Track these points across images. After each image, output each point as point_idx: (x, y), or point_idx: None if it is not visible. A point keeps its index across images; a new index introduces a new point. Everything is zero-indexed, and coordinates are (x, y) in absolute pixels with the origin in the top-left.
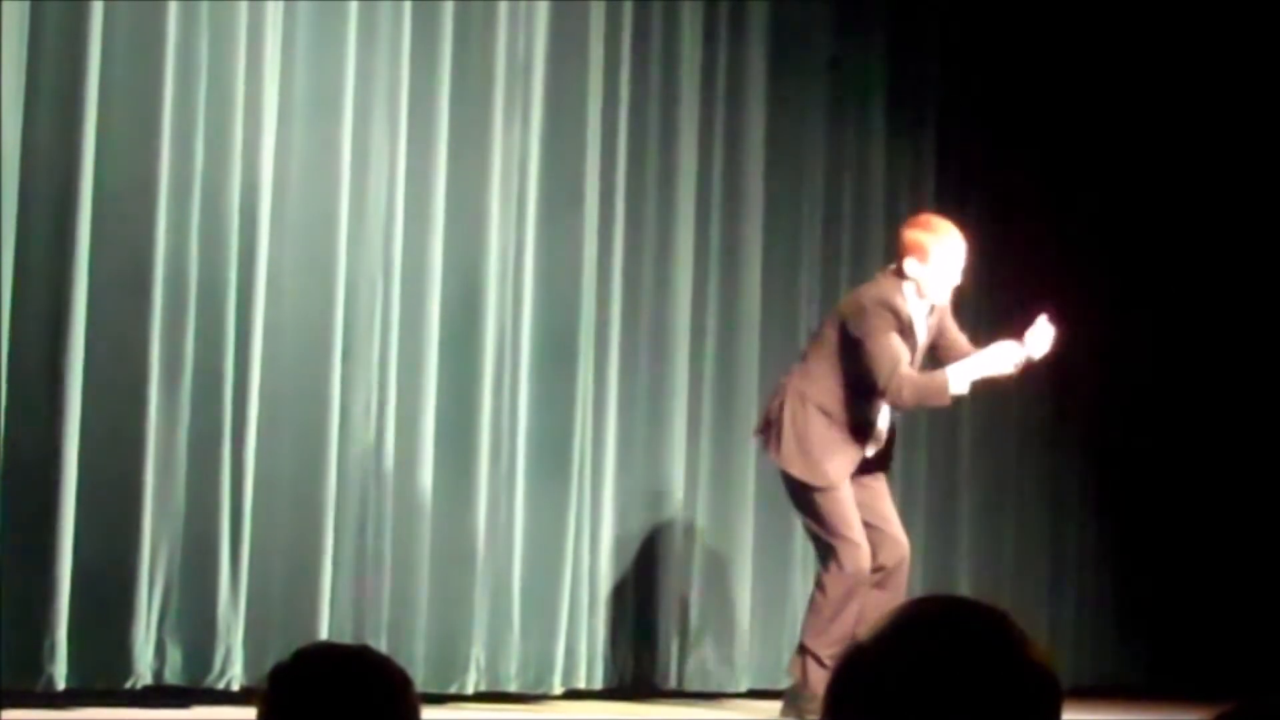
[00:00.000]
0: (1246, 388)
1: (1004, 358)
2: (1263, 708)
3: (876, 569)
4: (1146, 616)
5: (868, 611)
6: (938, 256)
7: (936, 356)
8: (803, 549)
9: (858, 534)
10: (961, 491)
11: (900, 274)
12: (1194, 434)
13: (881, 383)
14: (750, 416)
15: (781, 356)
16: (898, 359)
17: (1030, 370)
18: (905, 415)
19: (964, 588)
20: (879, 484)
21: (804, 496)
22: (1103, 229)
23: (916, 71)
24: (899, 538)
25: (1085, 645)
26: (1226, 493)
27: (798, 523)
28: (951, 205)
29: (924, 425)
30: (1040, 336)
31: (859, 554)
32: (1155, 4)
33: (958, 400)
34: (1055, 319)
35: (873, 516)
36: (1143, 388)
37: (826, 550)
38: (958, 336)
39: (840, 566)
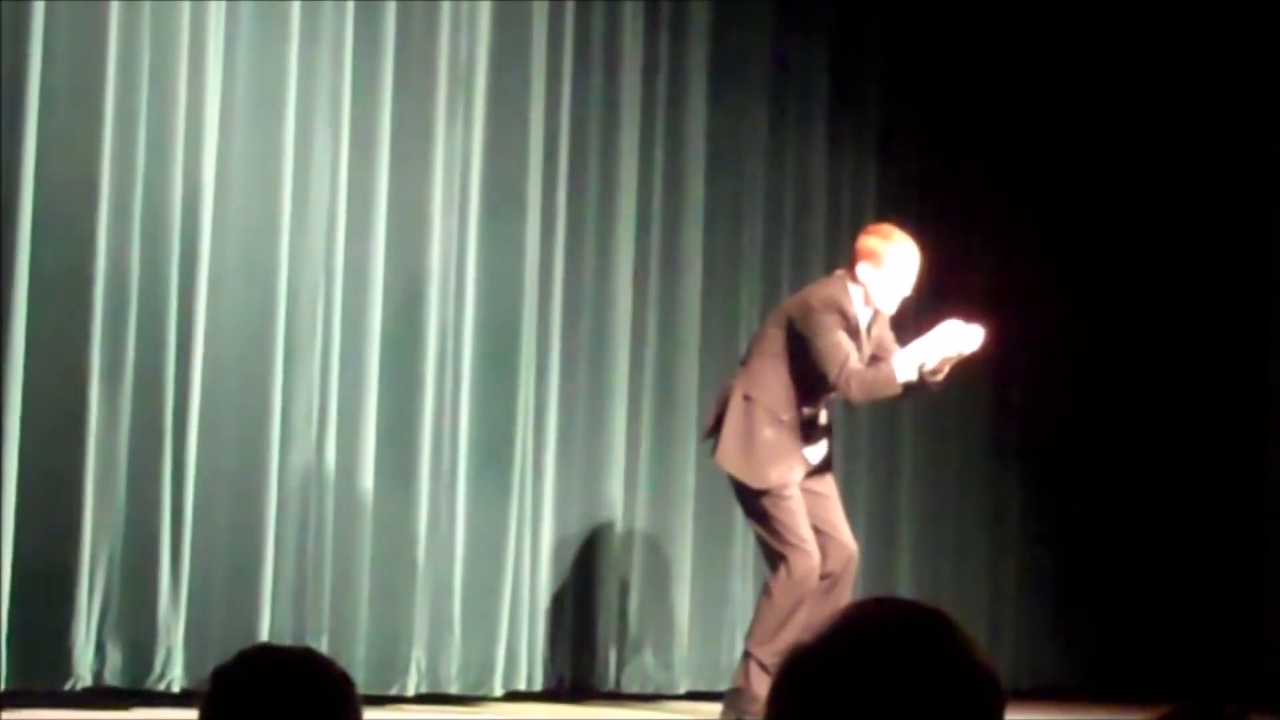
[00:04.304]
0: (1185, 393)
1: (948, 340)
2: (1199, 712)
3: (824, 575)
4: (1086, 619)
5: (815, 617)
6: (891, 265)
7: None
8: (742, 552)
9: (808, 541)
10: (901, 495)
11: (851, 278)
12: (1134, 438)
13: (832, 378)
14: (690, 420)
15: (722, 360)
16: (847, 354)
17: (970, 374)
18: (848, 418)
19: (904, 591)
20: (827, 489)
21: (753, 503)
22: (1046, 234)
23: (859, 73)
24: (846, 543)
25: (1025, 647)
26: (1165, 497)
27: (737, 526)
28: (893, 208)
29: (864, 430)
30: (966, 337)
31: (809, 562)
32: (1097, 8)
33: (903, 396)
34: (994, 321)
35: (821, 523)
36: (1083, 391)
37: (776, 558)
38: (896, 349)
39: (790, 574)
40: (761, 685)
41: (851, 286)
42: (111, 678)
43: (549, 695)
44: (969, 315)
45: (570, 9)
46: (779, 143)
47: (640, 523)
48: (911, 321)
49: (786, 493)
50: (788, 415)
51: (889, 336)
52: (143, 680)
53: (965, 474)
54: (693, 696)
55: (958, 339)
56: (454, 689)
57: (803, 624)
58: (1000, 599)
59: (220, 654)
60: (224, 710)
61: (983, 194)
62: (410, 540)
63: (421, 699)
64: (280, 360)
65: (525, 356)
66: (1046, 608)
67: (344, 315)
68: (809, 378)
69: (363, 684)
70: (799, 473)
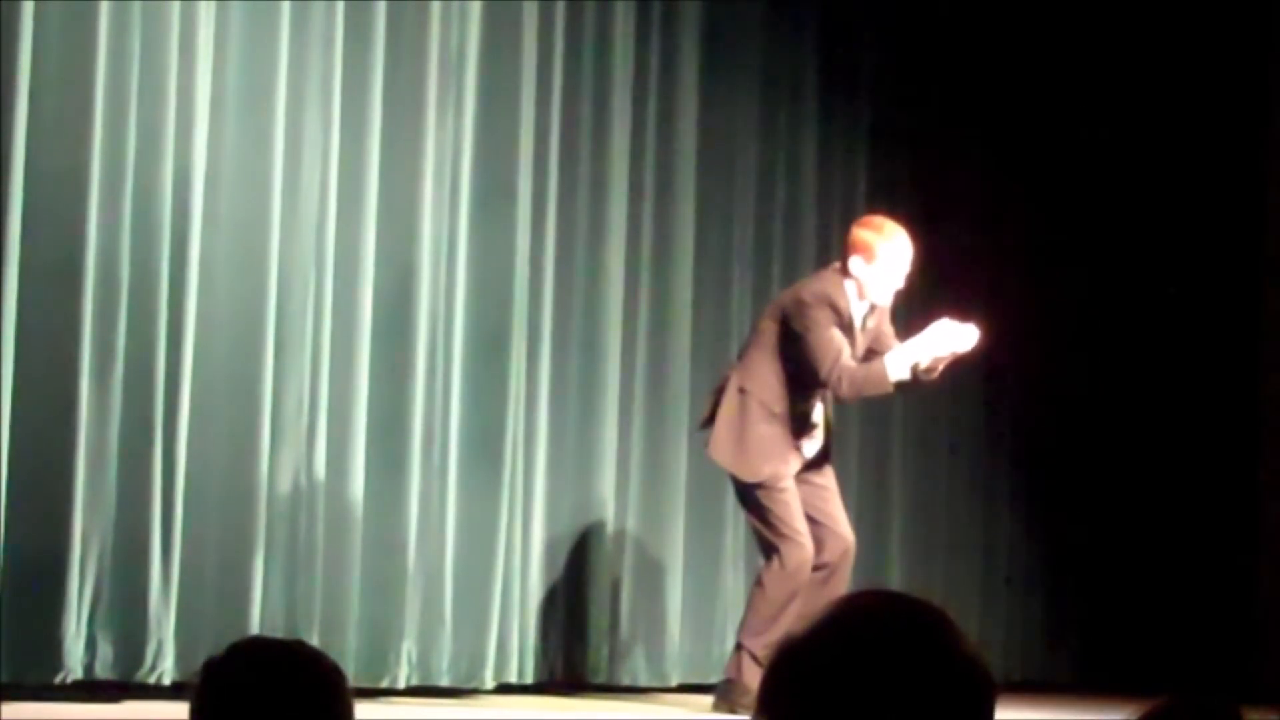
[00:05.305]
0: (1178, 386)
1: (941, 339)
2: (1190, 706)
3: (820, 566)
4: (1076, 613)
5: (810, 608)
6: (883, 257)
7: (870, 361)
8: (734, 544)
9: (803, 533)
10: (893, 489)
11: (844, 272)
12: (1124, 433)
13: (823, 374)
14: (682, 413)
15: (713, 354)
16: (839, 350)
17: (961, 369)
18: (838, 411)
19: (895, 584)
20: (825, 480)
21: (748, 494)
22: (1035, 230)
23: (849, 70)
24: (844, 534)
25: (1016, 641)
26: (1157, 490)
27: (729, 518)
28: (883, 205)
29: (856, 423)
30: (960, 336)
31: (803, 554)
32: (1087, 7)
33: (896, 391)
34: (985, 319)
35: (818, 514)
36: (1074, 386)
37: (770, 549)
38: (894, 343)
39: (783, 565)
40: (753, 677)
41: (845, 281)
42: (102, 671)
43: (540, 688)
44: (961, 313)
45: (561, 5)
46: (770, 138)
47: (632, 515)
48: (903, 319)
49: (781, 485)
50: (782, 409)
51: (888, 332)
52: (133, 673)
53: (956, 468)
54: (684, 689)
55: (951, 338)
56: (445, 681)
57: (796, 615)
58: (991, 592)
59: (211, 646)
60: (215, 703)
61: (974, 191)
62: (401, 532)
63: (412, 691)
64: (270, 352)
65: (516, 348)
66: (1038, 601)
67: (334, 307)
68: (802, 372)
69: (354, 676)
70: (794, 466)
